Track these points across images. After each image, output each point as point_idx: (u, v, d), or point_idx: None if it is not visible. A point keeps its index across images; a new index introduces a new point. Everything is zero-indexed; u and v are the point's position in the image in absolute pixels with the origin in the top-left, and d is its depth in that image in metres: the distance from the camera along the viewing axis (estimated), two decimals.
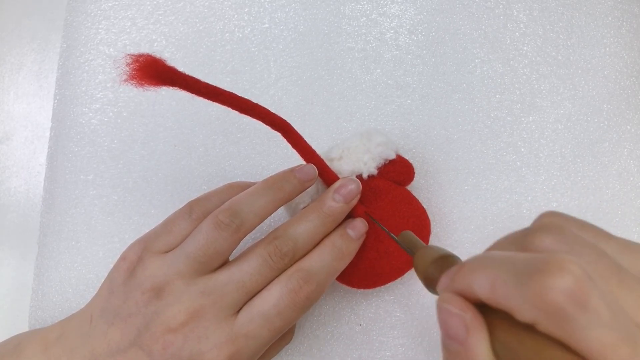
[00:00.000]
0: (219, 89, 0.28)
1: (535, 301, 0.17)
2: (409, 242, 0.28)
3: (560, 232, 0.20)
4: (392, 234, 0.31)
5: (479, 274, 0.20)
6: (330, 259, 0.31)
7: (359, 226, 0.32)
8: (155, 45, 0.42)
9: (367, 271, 0.34)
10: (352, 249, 0.32)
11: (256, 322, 0.28)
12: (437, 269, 0.24)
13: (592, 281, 0.17)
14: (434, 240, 0.37)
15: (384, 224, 0.34)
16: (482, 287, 0.19)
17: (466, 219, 0.38)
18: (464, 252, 0.37)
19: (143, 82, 0.26)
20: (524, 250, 0.20)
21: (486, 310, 0.20)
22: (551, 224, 0.21)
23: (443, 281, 0.23)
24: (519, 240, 0.21)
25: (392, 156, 0.35)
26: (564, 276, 0.17)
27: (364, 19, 0.42)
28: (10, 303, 0.41)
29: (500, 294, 0.18)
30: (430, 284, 0.24)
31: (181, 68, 0.27)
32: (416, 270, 0.26)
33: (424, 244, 0.28)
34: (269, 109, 0.30)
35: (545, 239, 0.20)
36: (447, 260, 0.24)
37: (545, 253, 0.19)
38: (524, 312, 0.17)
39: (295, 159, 0.33)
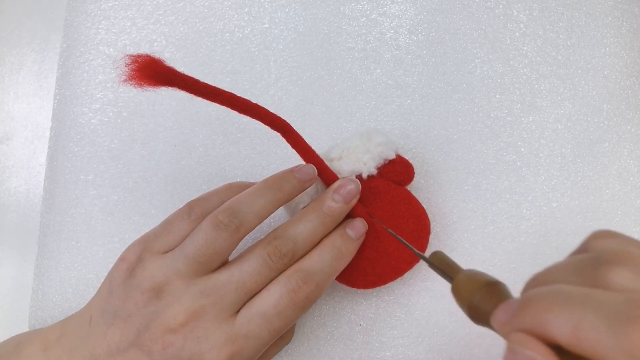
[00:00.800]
0: (218, 89, 0.28)
1: (634, 352, 0.15)
2: (443, 263, 0.26)
3: (635, 265, 0.18)
4: (421, 254, 0.29)
5: (559, 314, 0.17)
6: (329, 258, 0.31)
7: (359, 226, 0.32)
8: (155, 45, 0.42)
9: (367, 271, 0.34)
10: (352, 249, 0.32)
11: (255, 322, 0.28)
12: (486, 299, 0.22)
13: None
14: (434, 240, 0.37)
15: (383, 224, 0.34)
16: (562, 329, 0.17)
17: (466, 219, 0.38)
18: (464, 252, 0.37)
19: (142, 83, 0.26)
20: (595, 285, 0.18)
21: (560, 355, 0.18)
22: (622, 253, 0.19)
23: (501, 316, 0.20)
24: (587, 273, 0.19)
25: (392, 156, 0.35)
26: None
27: (364, 19, 0.42)
28: (10, 303, 0.41)
29: (588, 339, 0.16)
30: (478, 315, 0.22)
31: (181, 68, 0.27)
32: (457, 299, 0.23)
33: (460, 266, 0.25)
34: (269, 109, 0.30)
35: (622, 274, 0.18)
36: (495, 289, 0.22)
37: (633, 292, 0.17)
38: None
39: (295, 159, 0.33)
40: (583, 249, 0.22)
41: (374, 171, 0.35)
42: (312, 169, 0.32)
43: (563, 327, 0.17)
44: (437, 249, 0.37)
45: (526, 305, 0.19)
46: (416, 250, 0.30)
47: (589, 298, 0.17)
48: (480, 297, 0.22)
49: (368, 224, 0.33)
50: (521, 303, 0.19)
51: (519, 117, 0.39)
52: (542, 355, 0.17)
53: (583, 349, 0.16)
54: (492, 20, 0.41)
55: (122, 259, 0.31)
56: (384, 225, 0.33)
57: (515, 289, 0.36)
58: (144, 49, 0.42)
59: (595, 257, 0.19)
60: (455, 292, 0.24)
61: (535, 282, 0.21)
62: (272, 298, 0.29)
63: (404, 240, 0.32)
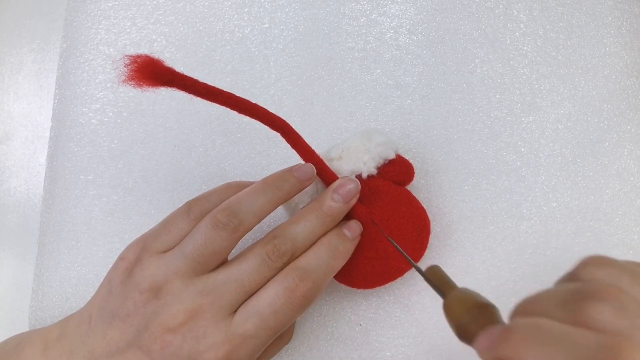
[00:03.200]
0: (217, 89, 0.28)
1: None
2: (439, 279, 0.26)
3: (619, 301, 0.18)
4: (418, 267, 0.29)
5: (533, 350, 0.18)
6: (326, 257, 0.31)
7: (354, 227, 0.33)
8: (155, 45, 0.42)
9: (367, 271, 0.34)
10: (348, 248, 0.32)
11: (252, 321, 0.28)
12: (474, 321, 0.22)
13: None
14: (433, 240, 0.37)
15: (383, 224, 0.34)
16: None
17: (466, 219, 0.38)
18: (464, 252, 0.37)
19: (142, 83, 0.26)
20: (576, 320, 0.18)
21: None
22: (608, 288, 0.19)
23: (483, 342, 0.21)
24: (571, 307, 0.19)
25: (392, 156, 0.35)
26: None
27: (364, 19, 0.42)
28: (10, 303, 0.41)
29: None
30: (464, 334, 0.23)
31: (181, 68, 0.27)
32: (447, 316, 0.24)
33: (454, 283, 0.26)
34: (269, 109, 0.30)
35: (603, 311, 0.18)
36: (485, 312, 0.22)
37: (608, 335, 0.17)
38: None
39: (295, 159, 0.33)
40: (573, 275, 0.22)
41: (374, 171, 0.34)
42: (311, 168, 0.32)
43: None
44: (437, 249, 0.37)
45: (506, 337, 0.19)
46: (413, 261, 0.30)
47: (563, 338, 0.18)
48: (469, 319, 0.22)
49: (368, 223, 0.33)
50: (502, 333, 0.20)
51: (519, 117, 0.39)
52: None
53: None
54: (492, 20, 0.41)
55: (121, 258, 0.31)
56: (384, 231, 0.33)
57: (516, 289, 0.36)
58: (144, 49, 0.42)
59: (580, 290, 0.19)
60: (446, 309, 0.24)
61: (522, 310, 0.21)
62: (269, 297, 0.29)
63: (402, 250, 0.32)
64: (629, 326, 0.18)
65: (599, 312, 0.18)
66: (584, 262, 0.21)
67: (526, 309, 0.21)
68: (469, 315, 0.22)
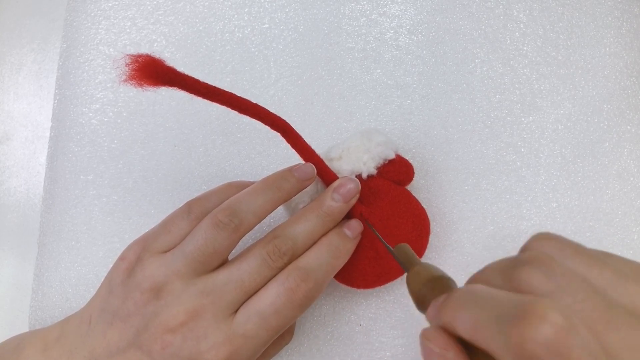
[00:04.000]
0: (218, 89, 0.28)
1: (515, 350, 0.16)
2: (404, 256, 0.28)
3: (549, 267, 0.19)
4: (387, 245, 0.31)
5: (462, 312, 0.19)
6: (327, 257, 0.31)
7: (355, 226, 0.33)
8: (155, 45, 0.42)
9: (367, 271, 0.34)
10: (349, 247, 0.32)
11: (253, 321, 0.28)
12: (429, 292, 0.24)
13: (574, 330, 0.16)
14: (433, 240, 0.37)
15: (383, 224, 0.34)
16: (465, 326, 0.19)
17: (466, 219, 0.38)
18: (464, 252, 0.37)
19: (142, 83, 0.26)
20: (510, 285, 0.20)
21: (472, 347, 0.19)
22: (540, 256, 0.20)
23: (430, 311, 0.22)
24: (508, 272, 0.20)
25: (392, 156, 0.35)
26: (544, 327, 0.16)
27: (364, 19, 0.42)
28: (10, 303, 0.41)
29: (481, 336, 0.18)
30: (422, 305, 0.24)
31: (181, 68, 0.27)
32: (408, 289, 0.25)
33: (419, 260, 0.27)
34: (269, 109, 0.30)
35: (532, 275, 0.19)
36: (439, 283, 0.24)
37: (529, 294, 0.18)
38: (504, 358, 0.17)
39: (295, 159, 0.33)
40: (522, 249, 0.23)
41: (374, 171, 0.35)
42: (311, 168, 0.32)
43: (465, 324, 0.19)
44: (437, 248, 0.37)
45: (445, 304, 0.21)
46: (385, 241, 0.32)
47: (490, 298, 0.19)
48: (425, 290, 0.24)
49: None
50: (443, 301, 0.21)
51: (519, 117, 0.39)
52: (443, 348, 0.20)
53: (479, 344, 0.18)
54: (492, 20, 0.41)
55: (121, 258, 0.31)
56: (377, 232, 0.33)
57: None
58: (144, 49, 0.42)
59: (517, 259, 0.20)
60: (407, 282, 0.26)
61: (471, 279, 0.23)
62: (269, 296, 0.29)
63: (380, 235, 0.33)
64: (553, 289, 0.18)
65: (526, 276, 0.19)
66: (532, 237, 0.22)
67: (473, 278, 0.22)
68: (425, 287, 0.24)
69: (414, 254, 0.28)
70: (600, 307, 0.18)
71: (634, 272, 0.20)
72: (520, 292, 0.19)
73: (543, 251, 0.21)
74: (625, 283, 0.19)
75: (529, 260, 0.20)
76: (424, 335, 0.21)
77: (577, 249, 0.20)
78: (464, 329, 0.19)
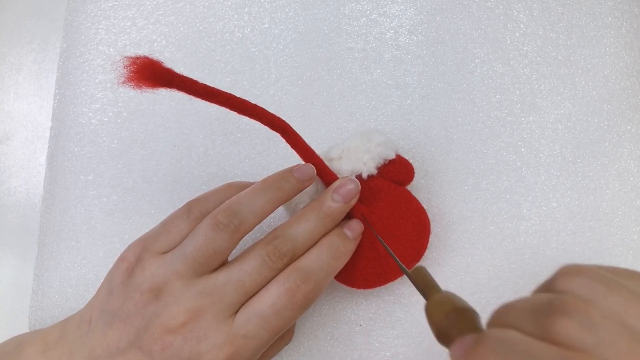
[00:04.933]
0: (216, 89, 0.28)
1: None
2: (423, 280, 0.26)
3: (586, 316, 0.18)
4: (404, 267, 0.30)
5: None
6: (328, 257, 0.31)
7: (355, 226, 0.33)
8: (155, 45, 0.42)
9: (367, 271, 0.34)
10: (349, 248, 0.32)
11: (253, 322, 0.28)
12: (453, 326, 0.22)
13: None
14: (433, 240, 0.37)
15: (383, 224, 0.34)
16: None
17: (466, 219, 0.38)
18: (464, 252, 0.37)
19: (141, 84, 0.26)
20: (545, 334, 0.19)
21: None
22: (575, 303, 0.19)
23: (456, 350, 0.21)
24: (541, 321, 0.19)
25: (392, 156, 0.35)
26: None
27: (364, 19, 0.42)
28: (10, 303, 0.41)
29: None
30: (443, 338, 0.23)
31: (181, 68, 0.27)
32: (428, 318, 0.24)
33: (438, 286, 0.26)
34: (269, 109, 0.30)
35: (569, 327, 0.18)
36: (464, 317, 0.23)
37: (570, 350, 0.18)
38: None
39: (295, 159, 0.33)
40: (549, 285, 0.22)
41: (374, 171, 0.35)
42: (311, 169, 0.32)
43: None
44: (437, 249, 0.37)
45: (474, 348, 0.20)
46: (400, 262, 0.31)
47: (526, 352, 0.18)
48: (448, 323, 0.23)
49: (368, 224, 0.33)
50: (473, 344, 0.20)
51: (519, 117, 0.39)
52: None
53: None
54: (492, 20, 0.41)
55: (121, 259, 0.31)
56: (377, 232, 0.33)
57: (516, 289, 0.36)
58: (144, 49, 0.42)
59: (550, 303, 0.20)
60: (427, 312, 0.24)
61: (496, 319, 0.22)
62: (270, 297, 0.29)
63: (392, 252, 0.32)
64: (593, 342, 0.18)
65: (564, 327, 0.18)
66: (560, 272, 0.21)
67: (500, 318, 0.21)
68: (448, 319, 0.23)
69: (433, 278, 0.27)
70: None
71: None
72: (558, 344, 0.18)
73: (576, 294, 0.20)
74: None
75: (563, 307, 0.19)
76: None
77: (610, 285, 0.19)
78: None
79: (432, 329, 0.24)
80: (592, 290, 0.19)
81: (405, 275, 0.35)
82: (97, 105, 0.42)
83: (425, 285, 0.26)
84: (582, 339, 0.18)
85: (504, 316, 0.21)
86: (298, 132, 0.32)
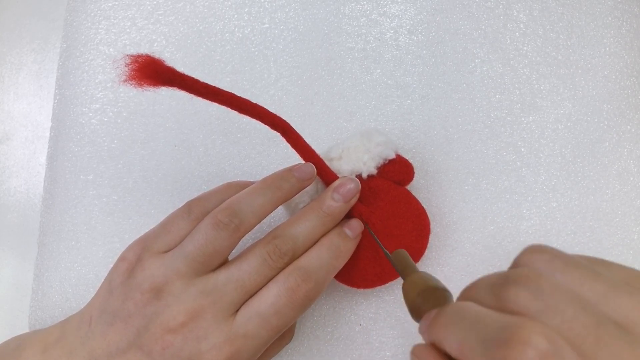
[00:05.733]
0: (217, 89, 0.28)
1: None
2: (401, 262, 0.28)
3: (537, 285, 0.19)
4: (385, 250, 0.31)
5: (450, 332, 0.19)
6: (328, 257, 0.31)
7: (355, 226, 0.33)
8: (155, 45, 0.42)
9: (367, 271, 0.34)
10: (350, 247, 0.32)
11: (254, 322, 0.28)
12: (424, 302, 0.24)
13: (559, 355, 0.16)
14: (433, 240, 0.37)
15: (383, 224, 0.34)
16: (452, 346, 0.19)
17: (466, 219, 0.38)
18: (464, 252, 0.37)
19: (142, 83, 0.26)
20: (498, 303, 0.19)
21: None
22: (529, 273, 0.19)
23: (422, 324, 0.22)
24: (496, 290, 0.20)
25: (392, 156, 0.35)
26: (528, 352, 0.16)
27: (364, 19, 0.42)
28: (10, 303, 0.41)
29: (468, 357, 0.18)
30: (416, 315, 0.24)
31: (181, 68, 0.27)
32: (404, 297, 0.25)
33: (416, 268, 0.27)
34: (269, 109, 0.30)
35: (520, 294, 0.19)
36: (434, 294, 0.24)
37: (517, 315, 0.18)
38: None
39: (295, 159, 0.33)
40: (514, 263, 0.22)
41: (374, 171, 0.35)
42: (311, 168, 0.32)
43: (452, 344, 0.19)
44: (437, 248, 0.37)
45: (435, 320, 0.21)
46: (383, 247, 0.32)
47: (477, 319, 0.19)
48: (420, 301, 0.24)
49: (368, 224, 0.33)
50: (434, 317, 0.21)
51: (519, 117, 0.39)
52: None
53: None
54: (492, 20, 0.41)
55: (121, 259, 0.31)
56: (375, 235, 0.33)
57: None
58: (144, 49, 0.42)
59: (507, 276, 0.20)
60: (403, 291, 0.26)
61: (462, 294, 0.23)
62: (270, 297, 0.29)
63: (378, 239, 0.33)
64: (540, 309, 0.18)
65: (514, 295, 0.19)
66: (524, 250, 0.22)
67: (464, 293, 0.22)
68: (421, 297, 0.24)
69: (412, 261, 0.28)
70: (590, 324, 0.17)
71: (629, 282, 0.19)
72: (508, 311, 0.19)
73: (532, 267, 0.20)
74: (618, 295, 0.18)
75: (517, 278, 0.19)
76: (414, 353, 0.21)
77: (568, 262, 0.20)
78: (452, 349, 0.19)
79: (407, 307, 0.25)
80: (550, 264, 0.20)
81: None
82: (97, 105, 0.42)
83: (404, 267, 0.27)
84: (529, 306, 0.18)
85: (467, 291, 0.22)
86: (298, 132, 0.32)
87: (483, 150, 0.39)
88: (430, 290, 0.24)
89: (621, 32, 0.40)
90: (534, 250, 0.21)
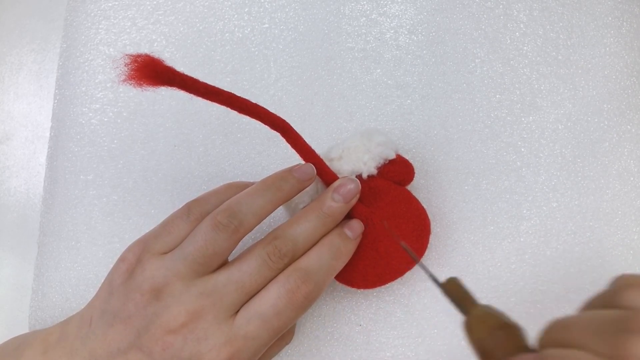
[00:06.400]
0: (217, 88, 0.28)
1: None
2: (457, 293, 0.24)
3: None
4: (436, 278, 0.26)
5: None
6: (328, 258, 0.31)
7: (356, 226, 0.32)
8: (155, 45, 0.42)
9: (367, 271, 0.34)
10: (350, 248, 0.32)
11: (254, 323, 0.28)
12: (498, 345, 0.21)
13: None
14: (434, 240, 0.37)
15: (383, 224, 0.34)
16: None
17: (466, 219, 0.38)
18: (464, 252, 0.37)
19: (141, 82, 0.26)
20: (614, 352, 0.18)
21: None
22: None
23: None
24: (609, 339, 0.18)
25: (392, 156, 0.35)
26: None
27: (364, 19, 0.42)
28: (10, 303, 0.41)
29: None
30: (487, 358, 0.21)
31: (181, 68, 0.27)
32: (468, 335, 0.22)
33: (475, 299, 0.24)
34: (269, 109, 0.30)
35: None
36: (509, 334, 0.21)
37: None
38: None
39: (295, 159, 0.33)
40: (610, 299, 0.20)
41: (374, 171, 0.34)
42: (311, 169, 0.32)
43: None
44: (437, 248, 0.37)
45: None
46: (431, 273, 0.27)
47: None
48: (492, 342, 0.21)
49: (368, 224, 0.33)
50: None
51: (519, 117, 0.39)
52: None
53: None
54: (492, 20, 0.41)
55: (121, 259, 0.31)
56: (390, 230, 0.33)
57: (516, 289, 0.36)
58: (144, 49, 0.42)
59: (620, 321, 0.18)
60: (467, 329, 0.23)
61: (554, 337, 0.20)
62: (270, 298, 0.29)
63: (413, 254, 0.31)
64: None
65: (637, 348, 0.17)
66: (621, 284, 0.20)
67: (558, 336, 0.20)
68: (492, 337, 0.21)
69: (468, 289, 0.25)
70: None
71: None
72: None
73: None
74: None
75: (633, 326, 0.18)
76: None
77: None
78: None
79: (473, 347, 0.22)
80: None
81: (404, 275, 0.35)
82: (97, 105, 0.42)
83: (462, 298, 0.24)
84: None
85: (562, 334, 0.20)
86: (298, 132, 0.32)
87: (483, 150, 0.39)
88: (504, 328, 0.21)
89: (621, 32, 0.40)
90: (636, 286, 0.19)
